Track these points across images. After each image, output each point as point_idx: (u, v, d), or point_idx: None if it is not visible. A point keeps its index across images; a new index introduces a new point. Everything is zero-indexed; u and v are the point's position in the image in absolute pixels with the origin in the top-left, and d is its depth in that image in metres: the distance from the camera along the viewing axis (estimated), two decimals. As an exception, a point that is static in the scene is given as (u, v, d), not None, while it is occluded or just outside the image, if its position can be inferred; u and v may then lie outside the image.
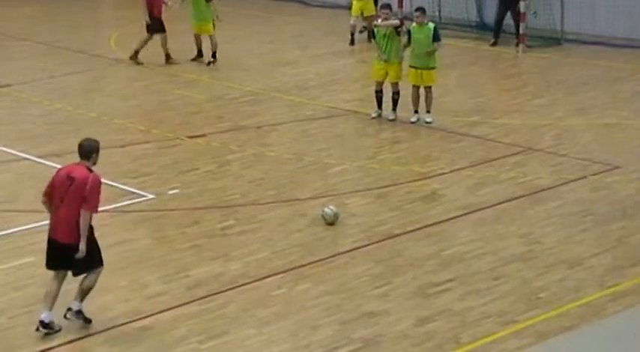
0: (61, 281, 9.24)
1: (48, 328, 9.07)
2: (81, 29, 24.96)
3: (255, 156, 14.94)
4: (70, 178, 9.08)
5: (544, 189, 13.28)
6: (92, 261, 9.10)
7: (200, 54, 20.43)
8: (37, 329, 9.06)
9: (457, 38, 22.27)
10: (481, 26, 23.43)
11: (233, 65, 20.39)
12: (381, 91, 16.14)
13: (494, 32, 21.81)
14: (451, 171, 14.06)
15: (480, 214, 12.44)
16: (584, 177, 13.67)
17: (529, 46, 21.49)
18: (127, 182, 13.76)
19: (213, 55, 20.18)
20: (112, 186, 13.36)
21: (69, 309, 9.27)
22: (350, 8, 22.21)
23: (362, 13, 21.66)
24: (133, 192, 13.44)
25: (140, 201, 13.18)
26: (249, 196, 13.19)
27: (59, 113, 17.04)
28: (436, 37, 15.77)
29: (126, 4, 28.38)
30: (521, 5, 21.47)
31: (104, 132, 14.91)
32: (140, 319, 9.44)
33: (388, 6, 16.75)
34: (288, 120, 16.49)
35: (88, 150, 9.15)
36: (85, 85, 19.19)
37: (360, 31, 22.11)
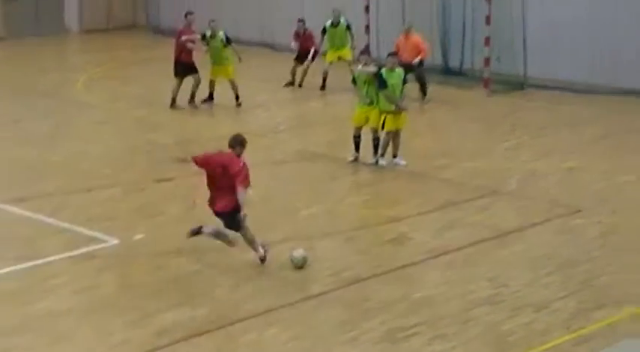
0: None
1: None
2: (48, 73, 24.86)
3: None
4: (223, 166, 11.62)
5: (510, 232, 13.32)
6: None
7: (211, 97, 20.57)
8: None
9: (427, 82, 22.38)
10: (446, 70, 23.61)
11: (203, 108, 20.49)
12: (359, 136, 16.17)
13: None
14: (419, 214, 14.11)
15: (448, 257, 12.45)
16: (549, 219, 13.75)
17: (493, 91, 21.69)
18: (92, 227, 13.53)
19: (237, 97, 20.49)
20: (76, 231, 13.38)
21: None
22: (325, 55, 22.32)
23: (338, 58, 21.87)
24: (98, 238, 13.18)
25: (105, 247, 12.96)
26: (217, 240, 12.89)
27: (24, 158, 16.81)
28: (405, 80, 16.01)
29: (93, 49, 29.10)
30: (485, 50, 21.73)
31: (69, 177, 14.92)
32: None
33: (367, 51, 16.98)
34: (258, 163, 16.34)
35: (233, 142, 11.79)
36: (51, 129, 19.04)
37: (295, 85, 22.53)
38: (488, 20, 21.70)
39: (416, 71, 20.46)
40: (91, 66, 26.03)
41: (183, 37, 20.18)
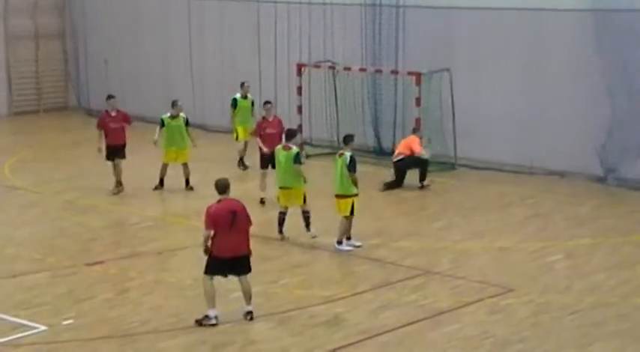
0: None
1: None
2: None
3: (155, 283, 14.69)
4: (232, 212, 12.45)
5: (444, 312, 13.31)
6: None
7: (162, 183, 20.08)
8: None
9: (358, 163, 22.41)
10: (379, 152, 23.71)
11: (132, 191, 20.14)
12: (285, 213, 16.22)
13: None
14: (353, 295, 14.03)
15: (382, 338, 12.36)
16: (482, 299, 13.76)
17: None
18: (18, 314, 13.18)
19: (188, 182, 20.04)
20: (1, 319, 13.03)
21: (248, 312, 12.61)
22: (235, 134, 22.12)
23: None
24: (25, 325, 12.82)
25: (32, 334, 12.56)
26: (149, 324, 12.80)
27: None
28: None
29: (23, 131, 28.50)
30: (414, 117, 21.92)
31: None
32: None
33: (295, 133, 17.09)
34: (189, 245, 16.29)
35: (224, 188, 12.65)
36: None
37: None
38: (418, 102, 21.84)
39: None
40: (19, 148, 25.65)
41: (111, 125, 19.75)
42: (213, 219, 12.39)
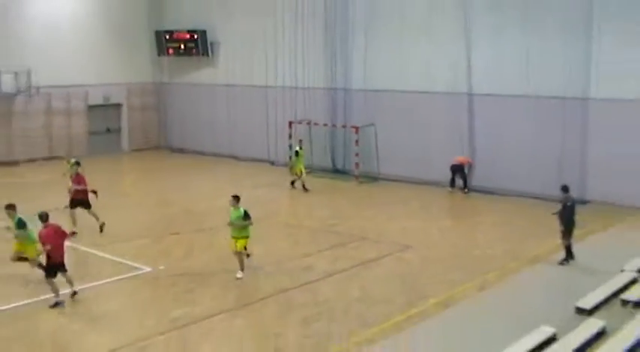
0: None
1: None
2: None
3: (210, 246, 14.26)
4: (56, 231, 10.70)
5: (372, 260, 13.25)
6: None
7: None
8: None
9: (321, 178, 21.99)
10: (334, 170, 22.99)
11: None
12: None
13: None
14: (318, 251, 13.79)
15: (336, 276, 12.27)
16: (392, 253, 13.64)
17: (361, 182, 21.42)
18: (135, 261, 12.97)
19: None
20: (127, 264, 12.85)
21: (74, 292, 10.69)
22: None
23: None
24: (138, 267, 12.61)
25: (143, 272, 12.38)
26: (210, 267, 12.70)
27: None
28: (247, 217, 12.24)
29: (136, 159, 26.37)
30: (356, 159, 21.39)
31: None
32: None
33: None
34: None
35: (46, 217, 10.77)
36: None
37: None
38: (357, 143, 21.61)
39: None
40: (134, 170, 24.55)
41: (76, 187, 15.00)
42: (46, 238, 10.70)
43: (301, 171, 20.31)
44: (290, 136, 23.36)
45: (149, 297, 11.53)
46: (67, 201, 15.37)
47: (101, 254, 13.85)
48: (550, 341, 8.03)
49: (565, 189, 13.18)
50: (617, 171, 17.56)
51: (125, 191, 20.91)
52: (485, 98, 19.74)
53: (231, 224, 12.27)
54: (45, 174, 21.81)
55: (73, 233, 13.99)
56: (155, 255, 13.88)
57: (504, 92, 19.28)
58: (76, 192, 15.26)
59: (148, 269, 12.88)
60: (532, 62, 18.61)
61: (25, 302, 11.08)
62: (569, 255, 12.96)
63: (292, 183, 20.55)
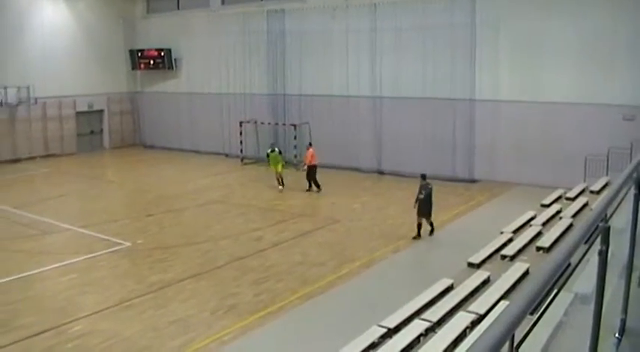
0: None
1: None
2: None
3: (178, 224, 13.99)
4: None
5: (308, 232, 12.90)
6: None
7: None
8: None
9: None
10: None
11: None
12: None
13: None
14: (268, 226, 13.39)
15: (282, 245, 12.01)
16: (325, 226, 13.35)
17: (299, 169, 19.88)
18: (116, 237, 12.60)
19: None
20: (110, 239, 12.47)
21: None
22: None
23: None
24: (119, 242, 12.19)
25: (122, 247, 11.93)
26: (181, 239, 12.51)
27: None
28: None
29: (115, 155, 25.24)
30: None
31: None
32: None
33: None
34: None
35: None
36: None
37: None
38: (295, 138, 21.13)
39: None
40: (117, 162, 23.57)
41: None
42: None
43: (279, 170, 17.79)
44: (240, 133, 22.99)
45: (130, 266, 11.20)
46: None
47: (89, 232, 13.48)
48: (449, 289, 8.04)
49: (423, 176, 12.38)
50: (498, 155, 18.17)
51: (109, 179, 20.53)
52: (391, 100, 19.83)
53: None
54: (43, 168, 21.91)
55: None
56: (134, 232, 13.53)
57: (407, 95, 19.44)
58: None
59: (128, 244, 12.53)
60: (428, 73, 18.87)
61: (31, 272, 10.81)
62: (432, 231, 12.41)
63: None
